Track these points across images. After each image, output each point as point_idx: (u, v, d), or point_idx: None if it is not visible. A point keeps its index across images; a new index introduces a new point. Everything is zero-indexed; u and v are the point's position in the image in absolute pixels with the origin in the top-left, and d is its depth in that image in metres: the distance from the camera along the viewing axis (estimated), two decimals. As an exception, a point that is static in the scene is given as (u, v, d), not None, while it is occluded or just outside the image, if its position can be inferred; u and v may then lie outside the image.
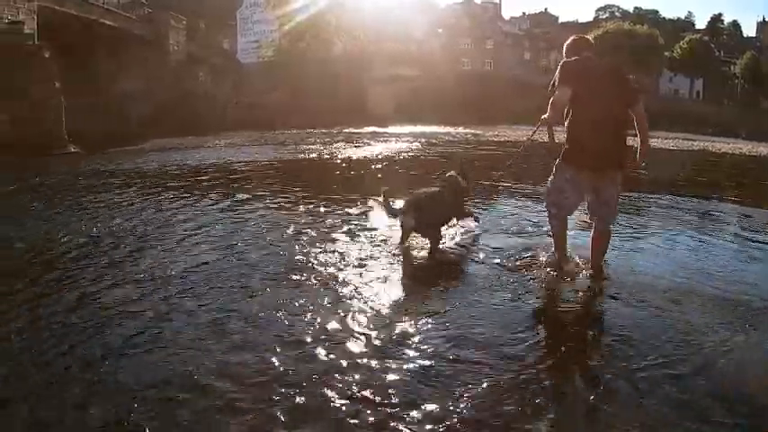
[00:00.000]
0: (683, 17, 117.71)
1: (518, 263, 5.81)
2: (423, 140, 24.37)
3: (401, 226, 6.18)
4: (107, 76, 38.55)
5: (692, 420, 3.07)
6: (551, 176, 5.32)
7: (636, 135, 5.16)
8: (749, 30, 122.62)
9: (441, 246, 6.27)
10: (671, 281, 5.41)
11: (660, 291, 5.11)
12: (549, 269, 5.53)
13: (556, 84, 5.05)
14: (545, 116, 5.21)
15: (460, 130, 33.45)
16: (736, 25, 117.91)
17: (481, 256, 6.06)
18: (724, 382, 3.48)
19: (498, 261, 5.85)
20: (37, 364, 3.56)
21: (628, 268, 5.73)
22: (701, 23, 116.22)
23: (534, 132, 5.74)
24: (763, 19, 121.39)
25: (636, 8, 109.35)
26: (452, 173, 6.79)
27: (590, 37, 5.53)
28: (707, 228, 8.27)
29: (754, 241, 7.45)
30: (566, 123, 5.16)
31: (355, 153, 18.38)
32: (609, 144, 5.02)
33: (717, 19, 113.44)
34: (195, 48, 49.12)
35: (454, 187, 6.61)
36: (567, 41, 5.41)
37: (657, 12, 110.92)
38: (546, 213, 5.60)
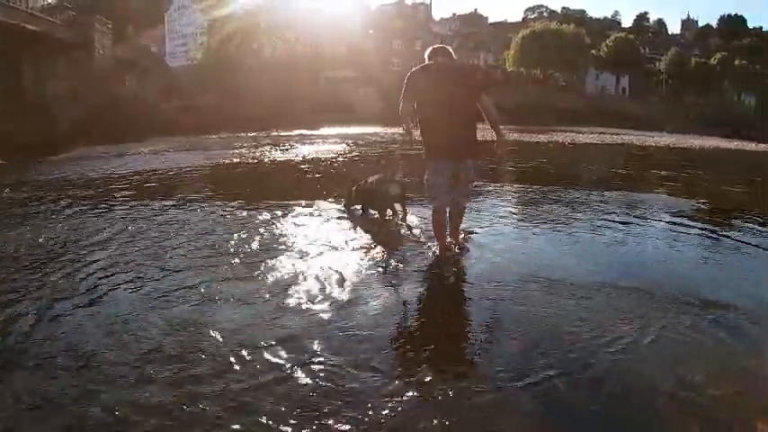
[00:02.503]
0: (609, 16, 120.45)
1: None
2: (349, 141, 24.28)
3: (386, 197, 7.21)
4: (32, 82, 37.57)
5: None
6: (425, 175, 5.79)
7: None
8: (674, 27, 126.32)
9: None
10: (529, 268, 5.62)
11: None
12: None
13: (402, 93, 5.60)
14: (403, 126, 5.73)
15: (389, 130, 33.53)
16: (661, 23, 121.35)
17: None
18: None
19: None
20: None
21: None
22: (627, 22, 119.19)
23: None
24: (688, 16, 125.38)
25: (563, 8, 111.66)
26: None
27: (448, 47, 5.96)
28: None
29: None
30: (419, 122, 5.66)
31: (279, 157, 18.18)
32: (459, 135, 5.57)
33: (642, 17, 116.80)
34: (122, 51, 48.25)
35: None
36: (428, 50, 5.92)
37: (585, 11, 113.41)
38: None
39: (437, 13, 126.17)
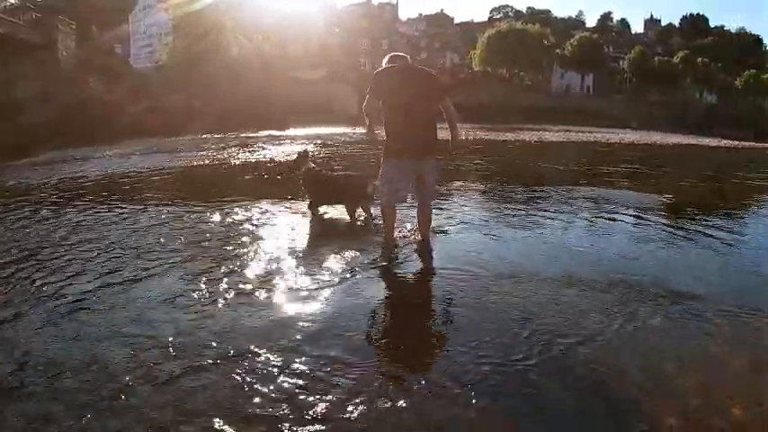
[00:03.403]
0: (573, 16, 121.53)
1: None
2: (318, 142, 24.16)
3: (368, 195, 7.24)
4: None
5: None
6: (380, 171, 6.11)
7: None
8: (637, 27, 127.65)
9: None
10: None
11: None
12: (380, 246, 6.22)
13: (368, 92, 5.92)
14: (366, 123, 6.16)
15: (358, 130, 33.43)
16: (624, 23, 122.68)
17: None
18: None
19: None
20: None
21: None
22: (591, 22, 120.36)
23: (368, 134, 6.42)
24: (651, 16, 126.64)
25: (528, 8, 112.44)
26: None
27: (406, 55, 6.36)
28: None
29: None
30: (383, 122, 6.01)
31: (247, 158, 18.01)
32: (419, 135, 5.88)
33: (606, 17, 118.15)
34: (86, 53, 47.58)
35: None
36: (387, 57, 6.25)
37: (549, 11, 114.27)
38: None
39: (403, 14, 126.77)
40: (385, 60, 6.17)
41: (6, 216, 8.56)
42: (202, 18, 52.62)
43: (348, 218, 7.38)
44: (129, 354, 3.65)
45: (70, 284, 5.08)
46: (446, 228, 7.16)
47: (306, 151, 8.09)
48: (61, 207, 9.30)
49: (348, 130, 33.11)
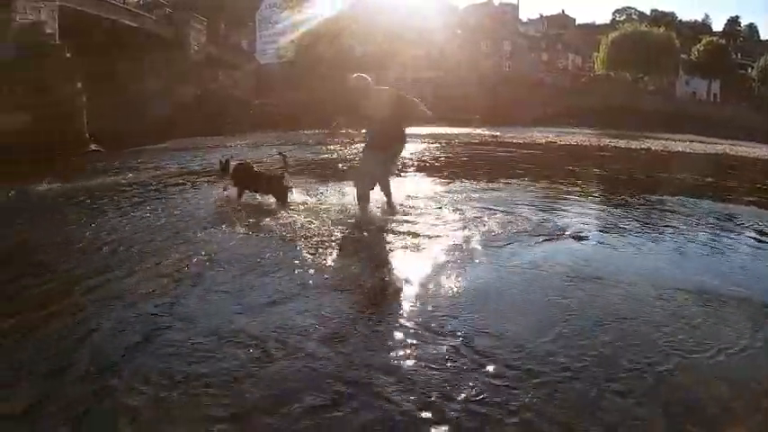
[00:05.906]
0: (699, 20, 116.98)
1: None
2: (443, 142, 24.22)
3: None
4: (128, 76, 38.63)
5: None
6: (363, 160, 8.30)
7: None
8: (766, 33, 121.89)
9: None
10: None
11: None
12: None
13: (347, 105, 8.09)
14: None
15: (479, 131, 33.28)
16: (753, 28, 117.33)
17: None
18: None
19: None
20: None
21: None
22: (717, 26, 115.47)
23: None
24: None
25: (653, 10, 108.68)
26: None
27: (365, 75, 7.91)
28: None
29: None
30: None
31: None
32: (383, 134, 7.78)
33: (734, 21, 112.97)
34: (215, 48, 49.12)
35: None
36: (352, 78, 7.85)
37: (674, 14, 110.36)
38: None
39: (524, 14, 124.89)
40: (354, 77, 7.83)
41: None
42: (326, 19, 53.65)
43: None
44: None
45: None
46: (584, 233, 7.26)
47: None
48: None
49: (470, 130, 33.11)
